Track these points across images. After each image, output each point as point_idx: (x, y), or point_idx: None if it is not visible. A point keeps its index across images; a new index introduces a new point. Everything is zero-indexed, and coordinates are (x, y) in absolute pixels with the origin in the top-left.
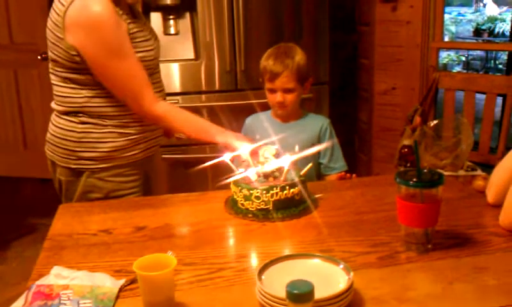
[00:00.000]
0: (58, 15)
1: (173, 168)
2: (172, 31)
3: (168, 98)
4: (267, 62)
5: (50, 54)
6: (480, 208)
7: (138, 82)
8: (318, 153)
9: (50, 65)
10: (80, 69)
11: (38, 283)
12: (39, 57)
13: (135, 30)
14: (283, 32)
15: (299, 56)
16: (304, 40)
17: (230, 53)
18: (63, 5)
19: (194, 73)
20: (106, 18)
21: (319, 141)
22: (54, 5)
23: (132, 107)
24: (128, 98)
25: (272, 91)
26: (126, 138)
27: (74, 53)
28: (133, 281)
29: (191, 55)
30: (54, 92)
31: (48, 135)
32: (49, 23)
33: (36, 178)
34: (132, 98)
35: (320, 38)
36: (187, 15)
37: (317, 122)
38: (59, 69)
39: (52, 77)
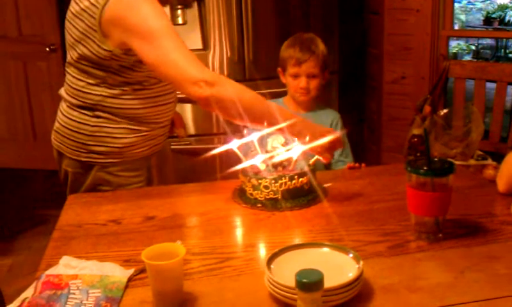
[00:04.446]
0: (94, 5)
1: (181, 157)
2: (180, 21)
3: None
4: (292, 49)
5: (73, 45)
6: (491, 197)
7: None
8: None
9: (70, 56)
10: (105, 65)
11: (47, 272)
12: (47, 49)
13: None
14: (291, 22)
15: (322, 45)
16: (313, 29)
17: (239, 43)
18: None
19: (203, 63)
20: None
21: None
22: None
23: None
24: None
25: (297, 76)
26: (138, 135)
27: (106, 47)
28: (142, 271)
29: (199, 46)
30: (69, 83)
31: (56, 124)
32: (76, 12)
33: (45, 170)
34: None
35: (329, 27)
36: (195, 4)
37: (329, 116)
38: (83, 62)
39: (70, 68)
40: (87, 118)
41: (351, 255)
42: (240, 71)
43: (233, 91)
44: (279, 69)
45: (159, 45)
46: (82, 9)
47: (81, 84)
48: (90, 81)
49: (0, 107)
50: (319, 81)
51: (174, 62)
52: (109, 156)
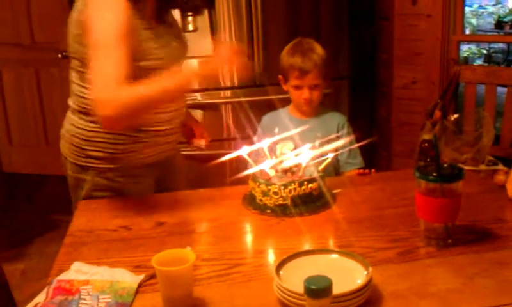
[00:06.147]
0: (77, 10)
1: (190, 163)
2: (191, 27)
3: (186, 94)
4: (294, 59)
5: (70, 49)
6: (501, 202)
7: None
8: (336, 150)
9: (71, 62)
10: None
11: (59, 278)
12: (59, 56)
13: (146, 37)
14: (301, 28)
15: (322, 51)
16: (323, 35)
17: (249, 49)
18: (82, 3)
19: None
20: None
21: (336, 137)
22: (77, 2)
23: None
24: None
25: (299, 88)
26: (135, 141)
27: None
28: (152, 277)
29: (210, 52)
30: (71, 88)
31: (62, 130)
32: (71, 17)
33: (57, 175)
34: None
35: (339, 33)
36: (206, 11)
37: (335, 119)
38: (79, 65)
39: (71, 73)
40: (84, 123)
41: (360, 261)
42: (251, 78)
43: (130, 97)
44: (280, 76)
45: (94, 55)
46: (73, 15)
47: (78, 88)
48: (86, 85)
49: (13, 113)
50: (321, 90)
51: (91, 79)
52: (105, 161)
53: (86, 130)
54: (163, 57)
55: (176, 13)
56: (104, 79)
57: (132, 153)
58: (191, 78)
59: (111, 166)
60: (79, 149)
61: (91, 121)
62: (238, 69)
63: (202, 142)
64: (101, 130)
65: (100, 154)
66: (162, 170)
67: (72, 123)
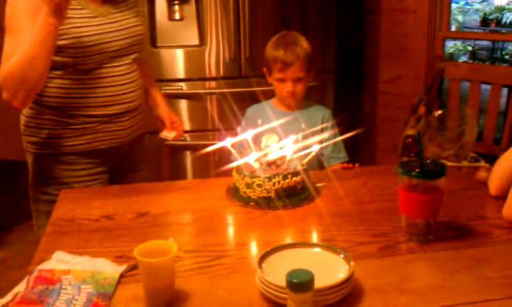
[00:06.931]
0: None
1: (174, 154)
2: (177, 16)
3: (171, 84)
4: (277, 52)
5: None
6: (482, 199)
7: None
8: (320, 143)
9: None
10: None
11: (40, 267)
12: None
13: (73, 16)
14: (288, 20)
15: (306, 44)
16: (310, 29)
17: (235, 39)
18: None
19: (199, 59)
20: None
21: (321, 130)
22: None
23: None
24: None
25: (282, 81)
26: (64, 127)
27: None
28: (134, 267)
29: (196, 42)
30: None
31: None
32: None
33: None
34: None
35: (326, 27)
36: (193, 1)
37: (319, 112)
38: None
39: None
40: (25, 109)
41: (342, 255)
42: (236, 68)
43: (9, 66)
44: (265, 69)
45: (4, 39)
46: None
47: None
48: None
49: None
50: (304, 83)
51: None
52: (39, 147)
53: (24, 115)
54: (92, 33)
55: (163, 2)
56: (2, 61)
57: (64, 139)
58: (46, 17)
59: (46, 152)
60: (22, 134)
61: (29, 107)
62: None
63: (170, 135)
64: (34, 116)
65: (34, 139)
66: (115, 158)
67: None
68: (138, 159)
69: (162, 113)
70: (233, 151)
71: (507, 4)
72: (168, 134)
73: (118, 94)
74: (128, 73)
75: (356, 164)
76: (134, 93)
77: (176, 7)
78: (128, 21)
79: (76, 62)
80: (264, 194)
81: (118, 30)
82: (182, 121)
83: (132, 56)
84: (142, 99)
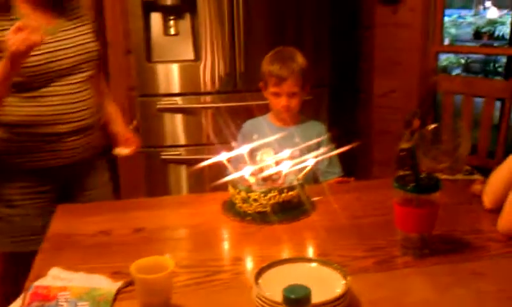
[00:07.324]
0: None
1: (170, 168)
2: (172, 31)
3: (166, 98)
4: (272, 67)
5: None
6: (477, 213)
7: None
8: (316, 157)
9: None
10: None
11: (36, 284)
12: None
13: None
14: (283, 35)
15: (302, 59)
16: (304, 43)
17: (230, 54)
18: None
19: (194, 74)
20: None
21: (316, 146)
22: None
23: None
24: None
25: (277, 95)
26: (12, 144)
27: None
28: (130, 283)
29: (191, 56)
30: None
31: None
32: None
33: None
34: None
35: (320, 41)
36: (188, 15)
37: (314, 128)
38: None
39: None
40: None
41: (338, 270)
42: (231, 83)
43: None
44: (261, 83)
45: None
46: None
47: None
48: None
49: None
50: (299, 98)
51: None
52: None
53: None
54: (37, 56)
55: (158, 17)
56: None
57: (10, 156)
58: (6, 61)
59: None
60: None
61: None
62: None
63: (123, 151)
64: None
65: None
66: (67, 177)
67: None
68: (90, 178)
69: (116, 129)
70: (229, 166)
71: (500, 18)
72: (120, 151)
73: (67, 113)
74: (79, 91)
75: (351, 178)
76: (85, 111)
77: (172, 22)
78: (81, 38)
79: (24, 81)
80: (259, 209)
81: (69, 47)
82: (137, 136)
83: (85, 74)
84: (96, 117)
